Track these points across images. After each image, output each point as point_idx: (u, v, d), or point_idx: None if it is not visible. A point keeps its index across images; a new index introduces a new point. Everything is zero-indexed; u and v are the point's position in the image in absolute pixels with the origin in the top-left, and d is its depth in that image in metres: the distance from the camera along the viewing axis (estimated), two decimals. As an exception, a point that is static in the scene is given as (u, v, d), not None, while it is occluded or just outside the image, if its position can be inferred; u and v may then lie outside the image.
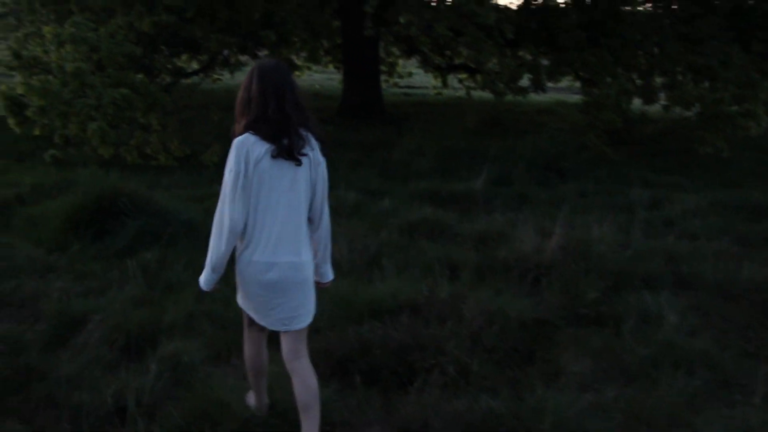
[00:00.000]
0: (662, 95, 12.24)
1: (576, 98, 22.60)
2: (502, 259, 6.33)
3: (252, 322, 3.56)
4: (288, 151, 3.26)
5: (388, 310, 5.20)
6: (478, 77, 20.14)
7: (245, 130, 3.28)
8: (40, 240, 6.35)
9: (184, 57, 13.84)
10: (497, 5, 10.85)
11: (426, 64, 19.46)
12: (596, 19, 12.33)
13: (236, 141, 3.28)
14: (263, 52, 12.97)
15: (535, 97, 15.92)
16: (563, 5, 13.29)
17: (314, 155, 3.37)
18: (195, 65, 14.05)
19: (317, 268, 3.56)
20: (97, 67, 9.90)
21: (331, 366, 4.47)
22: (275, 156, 3.24)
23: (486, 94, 22.97)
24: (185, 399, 3.98)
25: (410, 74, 22.80)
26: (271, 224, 3.30)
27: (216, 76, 13.81)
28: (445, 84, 21.40)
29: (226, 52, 12.49)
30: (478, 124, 13.70)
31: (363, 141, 12.40)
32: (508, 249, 6.49)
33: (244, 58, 13.46)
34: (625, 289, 5.85)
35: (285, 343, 3.53)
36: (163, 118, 10.12)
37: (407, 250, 6.76)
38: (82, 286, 5.49)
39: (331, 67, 21.19)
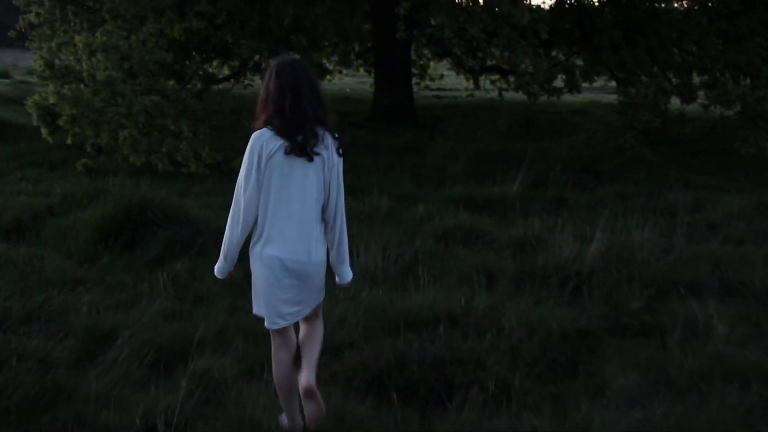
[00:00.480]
0: (701, 94, 11.91)
1: (610, 98, 22.37)
2: (541, 267, 6.13)
3: (273, 333, 3.56)
4: (301, 148, 3.27)
5: (425, 321, 5.05)
6: (511, 78, 20.05)
7: (263, 125, 3.34)
8: (69, 252, 6.28)
9: (215, 63, 13.80)
10: (531, 5, 10.64)
11: (458, 67, 19.29)
12: (632, 17, 12.05)
13: (253, 135, 3.35)
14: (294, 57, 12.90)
15: (568, 97, 15.67)
16: (598, 3, 13.03)
17: (328, 155, 3.37)
18: (226, 71, 14.01)
19: (334, 269, 3.58)
20: (129, 75, 9.88)
21: (366, 381, 4.31)
22: (288, 152, 3.28)
23: (519, 96, 22.76)
24: (216, 418, 3.85)
25: (442, 77, 22.63)
26: (282, 219, 3.34)
27: (247, 82, 13.74)
28: (477, 86, 21.21)
29: (257, 57, 12.43)
30: (512, 126, 13.48)
31: (395, 145, 12.25)
32: (546, 256, 6.29)
33: (274, 63, 13.41)
34: (669, 297, 5.62)
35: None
36: (194, 124, 10.05)
37: (443, 258, 6.60)
38: (112, 299, 5.39)
39: (362, 71, 21.11)
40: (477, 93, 21.76)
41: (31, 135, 11.33)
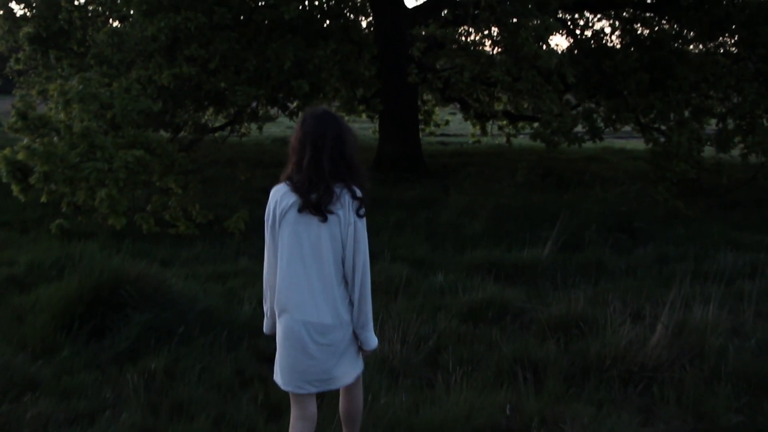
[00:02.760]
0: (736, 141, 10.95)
1: (620, 143, 21.51)
2: (595, 357, 5.06)
3: (293, 401, 3.39)
4: (314, 206, 3.14)
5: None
6: (520, 124, 19.16)
7: (284, 179, 3.23)
8: (25, 340, 5.19)
9: (209, 111, 12.86)
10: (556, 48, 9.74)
11: (466, 111, 18.44)
12: (659, 59, 11.13)
13: (272, 190, 3.27)
14: (294, 104, 11.94)
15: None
16: (620, 45, 12.13)
17: (344, 214, 3.16)
18: (222, 119, 13.05)
19: (357, 335, 3.34)
20: (112, 126, 8.89)
21: None
22: (301, 210, 3.15)
23: (527, 142, 21.96)
24: None
25: (447, 123, 21.80)
26: (297, 280, 3.21)
27: (243, 131, 12.78)
28: (484, 132, 20.39)
29: (254, 104, 11.47)
30: (529, 177, 12.47)
31: (405, 199, 11.22)
32: (599, 342, 5.21)
33: (273, 110, 12.44)
34: None
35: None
36: (183, 179, 9.03)
37: (473, 343, 5.52)
38: (67, 411, 4.29)
39: (363, 116, 20.23)
40: (484, 139, 20.93)
41: (4, 191, 10.30)
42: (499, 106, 18.22)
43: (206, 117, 13.57)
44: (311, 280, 3.20)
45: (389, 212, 10.28)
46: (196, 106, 10.74)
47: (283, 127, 20.98)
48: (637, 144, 21.31)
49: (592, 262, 7.82)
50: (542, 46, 8.81)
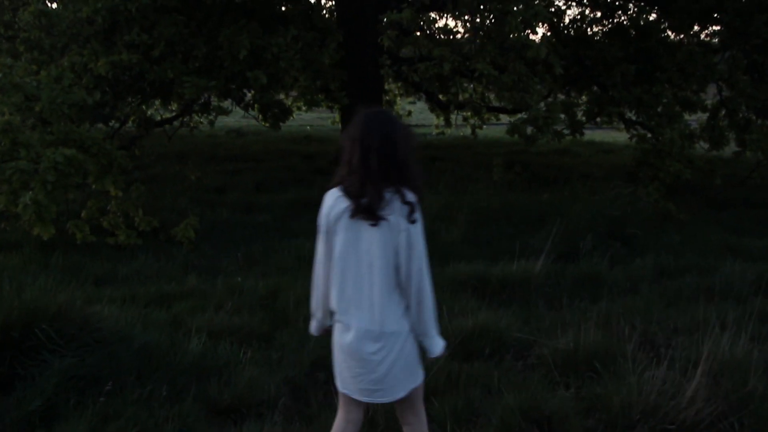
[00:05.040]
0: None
1: (591, 135, 20.80)
2: (620, 410, 4.18)
3: (341, 401, 3.39)
4: (365, 211, 3.03)
5: None
6: (486, 115, 18.30)
7: (336, 182, 3.15)
8: None
9: (156, 103, 11.71)
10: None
11: (431, 102, 17.53)
12: (646, 49, 10.31)
13: (326, 195, 3.20)
14: (249, 95, 10.86)
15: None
16: (601, 35, 11.29)
17: (395, 220, 3.04)
18: (169, 113, 11.91)
19: (420, 342, 3.24)
20: (42, 120, 7.77)
21: None
22: (352, 215, 3.06)
23: (490, 132, 21.15)
24: None
25: (409, 113, 20.86)
26: (351, 286, 3.15)
27: (194, 124, 11.66)
28: (448, 123, 19.52)
29: (207, 95, 10.37)
30: (505, 173, 11.59)
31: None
32: (620, 388, 4.33)
33: (227, 102, 11.35)
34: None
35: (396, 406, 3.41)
36: (124, 180, 7.95)
37: (467, 387, 4.60)
38: None
39: (323, 106, 19.19)
40: (448, 130, 20.06)
41: None
42: (464, 96, 17.36)
43: (152, 110, 12.45)
44: (364, 287, 3.13)
45: (356, 216, 9.31)
46: (139, 99, 9.60)
47: (238, 117, 19.82)
48: (604, 136, 20.71)
49: (589, 276, 6.97)
50: (529, 35, 7.94)
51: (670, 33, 10.96)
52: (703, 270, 7.41)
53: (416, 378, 3.29)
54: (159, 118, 12.06)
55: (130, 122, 10.08)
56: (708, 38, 10.96)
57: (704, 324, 5.57)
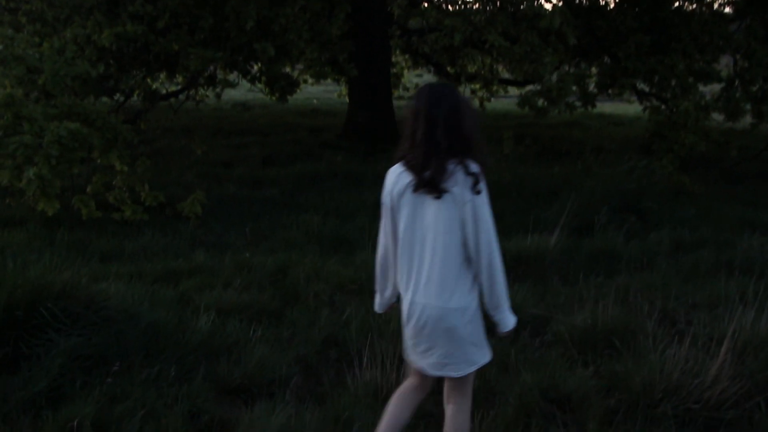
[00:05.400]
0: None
1: (602, 107, 20.55)
2: (641, 389, 4.05)
3: (414, 372, 3.38)
4: (428, 184, 3.00)
5: None
6: (495, 87, 18.05)
7: (399, 157, 3.14)
8: None
9: (161, 76, 11.52)
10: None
11: (440, 75, 17.26)
12: (660, 19, 10.07)
13: (389, 171, 3.20)
14: (256, 68, 10.67)
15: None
16: (614, 4, 11.03)
17: (459, 191, 2.98)
18: (174, 86, 11.73)
19: (491, 318, 3.19)
20: (45, 93, 7.63)
21: None
22: (415, 189, 3.05)
23: (498, 105, 20.87)
24: None
25: (417, 86, 20.54)
26: (417, 262, 3.13)
27: (198, 98, 11.46)
28: (456, 96, 19.26)
29: (212, 68, 10.18)
30: (515, 146, 11.41)
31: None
32: (641, 367, 4.20)
33: (233, 75, 11.15)
34: None
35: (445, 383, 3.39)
36: (129, 154, 7.81)
37: (483, 367, 4.47)
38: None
39: (329, 79, 18.96)
40: (456, 103, 19.81)
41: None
42: (474, 68, 17.10)
43: (158, 83, 12.27)
44: (429, 263, 3.09)
45: (365, 191, 9.17)
46: (144, 71, 9.42)
47: (244, 90, 19.60)
48: (614, 108, 20.45)
49: (604, 251, 6.84)
50: (542, 4, 7.73)
51: (684, 2, 10.69)
52: (720, 244, 7.27)
53: (484, 355, 3.25)
54: (165, 91, 11.89)
55: (134, 95, 9.91)
56: (722, 7, 10.71)
57: (725, 300, 5.47)
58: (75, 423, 3.55)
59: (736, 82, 9.87)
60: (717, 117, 10.31)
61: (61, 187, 7.02)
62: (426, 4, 10.39)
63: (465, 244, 3.05)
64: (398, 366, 4.31)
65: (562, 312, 5.15)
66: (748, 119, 10.09)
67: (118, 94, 9.55)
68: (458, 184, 2.99)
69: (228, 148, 12.27)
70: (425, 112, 3.01)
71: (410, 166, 3.05)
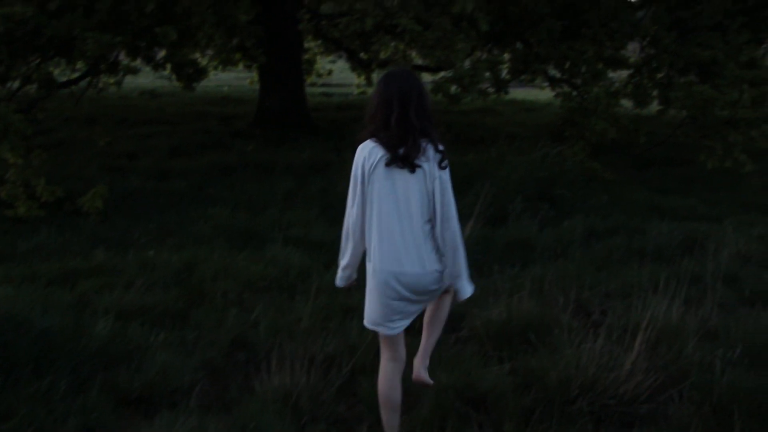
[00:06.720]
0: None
1: (515, 93, 20.74)
2: (557, 385, 3.97)
3: (385, 344, 3.54)
4: (402, 160, 3.24)
5: None
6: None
7: (368, 137, 3.32)
8: None
9: (60, 62, 10.92)
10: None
11: (352, 61, 17.06)
12: (572, 5, 10.11)
13: (358, 148, 3.34)
14: (161, 54, 10.23)
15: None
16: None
17: (430, 167, 3.26)
18: (74, 73, 11.14)
19: (452, 286, 3.46)
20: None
21: None
22: (388, 164, 3.25)
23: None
24: None
25: (330, 72, 20.30)
26: (389, 233, 3.31)
27: (102, 85, 10.91)
28: (369, 82, 19.10)
29: (116, 54, 9.67)
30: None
31: (294, 163, 9.86)
32: (557, 362, 4.13)
33: (137, 61, 10.65)
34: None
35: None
36: (23, 147, 7.34)
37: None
38: None
39: (240, 66, 18.52)
40: (369, 89, 19.66)
41: None
42: (386, 54, 16.95)
43: (58, 70, 11.63)
44: (403, 233, 3.29)
45: (276, 181, 8.93)
46: (38, 57, 8.88)
47: (152, 78, 18.93)
48: (525, 94, 20.65)
49: (519, 241, 6.80)
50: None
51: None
52: (631, 231, 7.34)
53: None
54: (66, 78, 11.29)
55: (30, 83, 9.35)
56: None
57: (637, 288, 5.48)
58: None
59: (644, 69, 9.99)
60: (626, 103, 10.44)
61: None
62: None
63: (432, 216, 3.28)
64: (308, 369, 4.13)
65: (478, 306, 5.04)
66: (655, 105, 10.24)
67: (10, 82, 8.97)
68: (429, 159, 3.24)
69: (133, 139, 11.78)
70: (399, 96, 3.22)
71: (385, 144, 3.23)
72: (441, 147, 3.28)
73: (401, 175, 3.26)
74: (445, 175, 3.29)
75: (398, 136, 3.22)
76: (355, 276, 3.54)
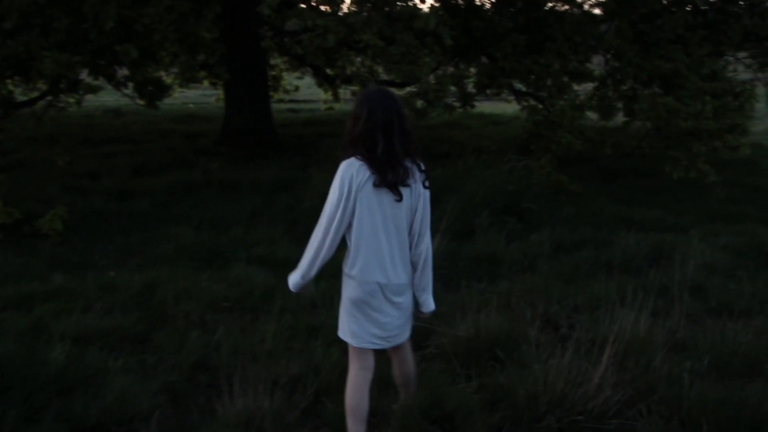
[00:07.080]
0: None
1: (481, 107, 20.81)
2: (525, 401, 3.91)
3: (356, 354, 3.60)
4: (391, 183, 3.34)
5: None
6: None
7: (350, 155, 3.36)
8: None
9: (15, 83, 10.72)
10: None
11: (318, 77, 17.00)
12: (536, 20, 10.15)
13: (343, 164, 3.38)
14: (122, 72, 10.10)
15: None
16: (490, 5, 11.06)
17: (416, 186, 3.43)
18: (34, 92, 10.96)
19: (417, 297, 3.61)
20: None
21: None
22: (377, 185, 3.34)
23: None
24: None
25: (297, 89, 20.24)
26: (373, 248, 3.42)
27: (62, 104, 10.72)
28: (336, 98, 19.06)
29: (77, 72, 9.50)
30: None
31: (259, 182, 9.74)
32: (526, 380, 4.06)
33: (98, 80, 10.48)
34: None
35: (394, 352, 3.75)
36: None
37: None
38: None
39: (206, 83, 18.37)
40: (336, 105, 19.59)
41: None
42: (351, 70, 16.92)
43: (19, 89, 11.43)
44: (391, 247, 3.43)
45: (242, 199, 8.82)
46: (-4, 75, 8.70)
47: (116, 96, 18.72)
48: (492, 108, 20.71)
49: (486, 255, 6.76)
50: (417, 5, 7.58)
51: (557, 2, 10.83)
52: (599, 243, 7.33)
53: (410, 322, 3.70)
54: (26, 98, 11.08)
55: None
56: (592, 8, 10.92)
57: (605, 300, 5.44)
58: None
59: (608, 81, 10.06)
60: (591, 116, 10.49)
61: None
62: (303, 5, 10.08)
63: (410, 231, 3.46)
64: (272, 391, 4.03)
65: (445, 322, 4.97)
66: (620, 117, 10.30)
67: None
68: (416, 180, 3.42)
69: (95, 158, 11.58)
70: (382, 126, 3.28)
71: (372, 167, 3.31)
72: (424, 167, 3.44)
73: (388, 193, 3.37)
74: (428, 193, 3.48)
75: (385, 162, 3.31)
76: (310, 284, 3.68)
